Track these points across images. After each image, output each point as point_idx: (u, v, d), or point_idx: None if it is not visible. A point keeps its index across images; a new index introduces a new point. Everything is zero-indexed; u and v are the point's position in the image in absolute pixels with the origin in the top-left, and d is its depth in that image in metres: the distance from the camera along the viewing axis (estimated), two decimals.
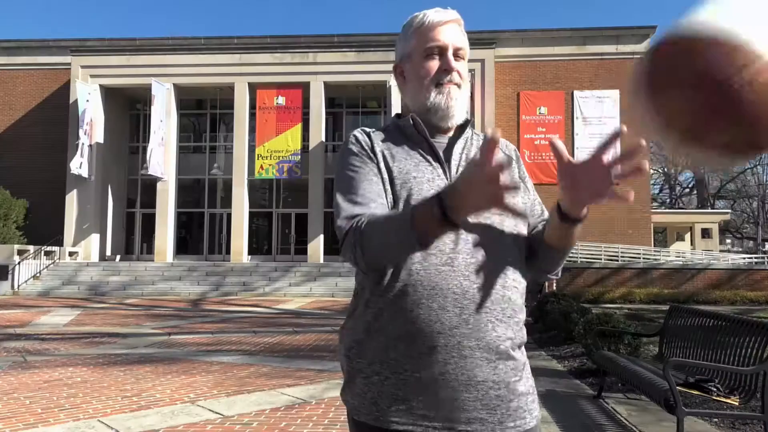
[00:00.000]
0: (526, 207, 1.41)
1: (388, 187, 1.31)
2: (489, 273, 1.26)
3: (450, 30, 1.38)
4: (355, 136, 1.40)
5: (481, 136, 1.46)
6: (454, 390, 1.23)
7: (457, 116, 1.39)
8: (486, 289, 1.26)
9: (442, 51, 1.37)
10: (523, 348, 1.33)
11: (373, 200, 1.27)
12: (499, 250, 1.28)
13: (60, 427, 4.27)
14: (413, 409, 1.25)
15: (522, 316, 1.32)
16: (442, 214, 1.03)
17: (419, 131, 1.37)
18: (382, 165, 1.33)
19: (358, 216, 1.24)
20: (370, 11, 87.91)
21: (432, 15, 1.39)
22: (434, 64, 1.37)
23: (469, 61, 1.47)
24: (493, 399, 1.25)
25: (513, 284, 1.30)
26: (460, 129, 1.42)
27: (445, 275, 1.25)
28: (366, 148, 1.35)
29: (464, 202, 1.01)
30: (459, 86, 1.38)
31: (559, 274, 1.45)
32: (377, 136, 1.40)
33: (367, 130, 1.43)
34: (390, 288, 1.28)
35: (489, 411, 1.25)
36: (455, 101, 1.37)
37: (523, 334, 1.32)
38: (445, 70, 1.36)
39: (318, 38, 25.28)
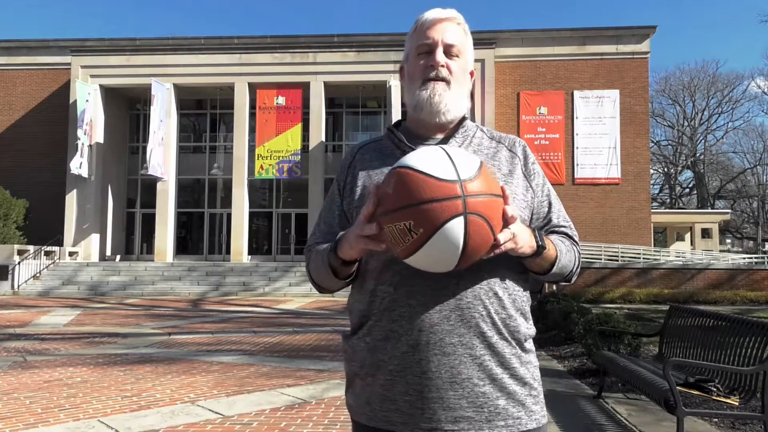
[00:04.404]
0: (528, 205, 1.39)
1: (345, 205, 1.41)
2: (472, 270, 1.24)
3: (443, 28, 1.38)
4: (344, 156, 1.50)
5: (487, 132, 1.47)
6: (438, 388, 1.22)
7: (450, 112, 1.38)
8: (468, 286, 1.25)
9: (431, 49, 1.38)
10: (518, 345, 1.30)
11: (325, 231, 1.42)
12: None
13: (60, 427, 4.26)
14: (400, 409, 1.25)
15: (514, 313, 1.30)
16: (334, 253, 1.28)
17: (395, 138, 1.41)
18: (348, 184, 1.42)
19: (311, 244, 1.44)
20: (370, 11, 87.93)
21: (428, 15, 1.40)
22: (423, 63, 1.38)
23: None
24: (479, 396, 1.23)
25: (503, 280, 1.29)
26: (457, 127, 1.42)
27: (423, 272, 1.24)
28: (343, 170, 1.46)
29: (343, 246, 1.25)
30: (447, 82, 1.37)
31: (572, 281, 1.43)
32: (365, 150, 1.46)
33: (359, 145, 1.49)
34: (369, 289, 1.31)
35: (475, 409, 1.23)
36: (440, 97, 1.36)
37: (516, 331, 1.29)
38: (431, 66, 1.37)
39: (318, 38, 25.25)
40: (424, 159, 1.14)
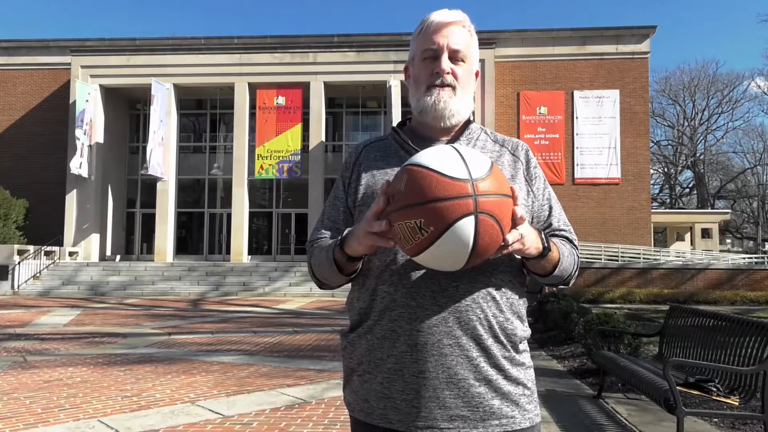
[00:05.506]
0: (529, 210, 1.40)
1: (350, 203, 1.41)
2: (470, 271, 1.25)
3: (449, 32, 1.37)
4: (348, 153, 1.50)
5: (491, 135, 1.48)
6: (435, 388, 1.24)
7: (455, 117, 1.39)
8: (466, 289, 1.26)
9: (436, 54, 1.37)
10: (513, 348, 1.31)
11: (330, 227, 1.42)
12: None
13: (60, 427, 4.26)
14: (398, 407, 1.27)
15: (510, 316, 1.31)
16: (340, 248, 1.27)
17: (399, 138, 1.42)
18: (353, 182, 1.41)
19: (315, 239, 1.43)
20: (370, 11, 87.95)
21: (434, 17, 1.39)
22: (429, 67, 1.38)
23: None
24: (474, 396, 1.25)
25: (500, 284, 1.30)
26: (462, 129, 1.43)
27: (423, 273, 1.26)
28: (348, 168, 1.46)
29: (350, 242, 1.25)
30: (453, 87, 1.37)
31: (569, 284, 1.44)
32: (369, 149, 1.45)
33: (364, 143, 1.49)
34: (370, 287, 1.33)
35: (471, 409, 1.25)
36: (445, 102, 1.36)
37: (513, 334, 1.31)
38: (436, 72, 1.37)
39: (318, 38, 25.26)
40: (436, 157, 1.14)
